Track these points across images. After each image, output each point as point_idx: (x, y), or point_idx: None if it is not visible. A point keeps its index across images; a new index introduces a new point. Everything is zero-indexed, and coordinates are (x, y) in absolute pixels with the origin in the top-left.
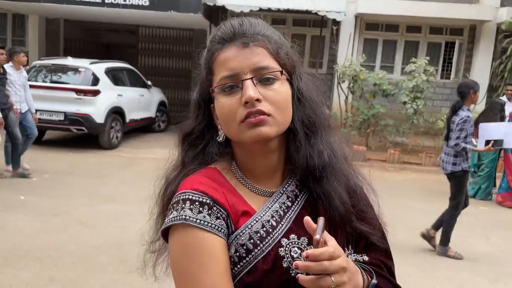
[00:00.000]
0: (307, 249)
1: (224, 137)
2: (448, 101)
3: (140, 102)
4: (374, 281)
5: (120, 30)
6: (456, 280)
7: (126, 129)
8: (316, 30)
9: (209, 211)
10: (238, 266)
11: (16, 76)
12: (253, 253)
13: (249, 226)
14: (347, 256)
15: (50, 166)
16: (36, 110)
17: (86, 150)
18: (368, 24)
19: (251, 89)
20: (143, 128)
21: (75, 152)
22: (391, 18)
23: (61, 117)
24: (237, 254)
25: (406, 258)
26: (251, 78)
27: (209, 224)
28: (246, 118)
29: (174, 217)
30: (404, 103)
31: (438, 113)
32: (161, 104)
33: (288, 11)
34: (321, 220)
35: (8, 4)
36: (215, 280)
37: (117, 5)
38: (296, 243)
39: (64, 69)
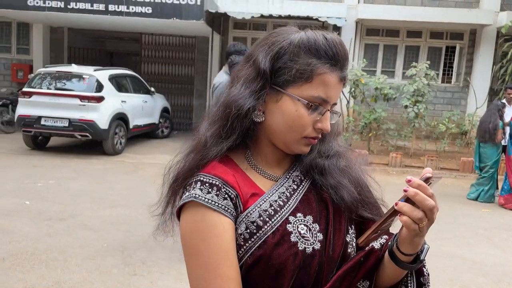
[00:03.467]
0: (312, 226)
1: (263, 119)
2: (449, 105)
3: (143, 108)
4: (427, 245)
5: (123, 38)
6: (458, 281)
7: (129, 135)
8: None
9: (217, 192)
10: (250, 241)
11: None
12: (263, 229)
13: (258, 205)
14: (349, 236)
15: (55, 172)
16: (41, 117)
17: (90, 156)
18: (369, 30)
19: (329, 122)
20: (147, 134)
21: (80, 158)
22: (391, 23)
23: (66, 124)
24: (248, 230)
25: None
26: (330, 110)
27: (216, 204)
28: (309, 137)
29: (185, 196)
30: (406, 107)
31: (439, 116)
32: (164, 110)
33: (289, 17)
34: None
35: (12, 13)
36: (217, 256)
37: (120, 13)
38: (303, 220)
39: (69, 76)
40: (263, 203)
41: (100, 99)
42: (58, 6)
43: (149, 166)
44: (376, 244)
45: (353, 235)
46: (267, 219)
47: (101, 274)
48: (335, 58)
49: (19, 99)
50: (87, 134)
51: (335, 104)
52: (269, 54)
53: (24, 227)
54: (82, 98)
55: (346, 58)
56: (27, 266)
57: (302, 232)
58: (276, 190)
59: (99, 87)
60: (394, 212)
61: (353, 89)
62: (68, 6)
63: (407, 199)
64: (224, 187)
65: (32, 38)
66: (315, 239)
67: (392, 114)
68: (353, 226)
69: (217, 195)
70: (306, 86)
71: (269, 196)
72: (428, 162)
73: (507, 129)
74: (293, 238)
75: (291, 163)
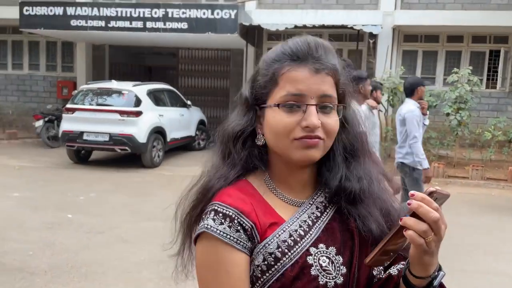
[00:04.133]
0: (335, 259)
1: (264, 141)
2: (494, 111)
3: (180, 121)
4: (443, 272)
5: (162, 52)
6: None
7: (167, 148)
8: (352, 44)
9: (230, 224)
10: (267, 274)
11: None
12: (281, 261)
13: (277, 235)
14: (377, 270)
15: (96, 185)
16: (84, 132)
17: (130, 169)
18: (407, 36)
19: (314, 117)
20: (184, 146)
21: (120, 171)
22: (430, 28)
23: (106, 138)
24: (266, 262)
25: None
26: (316, 105)
27: (228, 236)
28: (301, 138)
29: (200, 226)
30: (447, 114)
31: (484, 124)
32: (201, 123)
33: (323, 26)
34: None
35: (57, 33)
36: None
37: (157, 30)
38: (325, 252)
39: (109, 92)
40: (282, 233)
41: (138, 114)
42: (99, 25)
43: (186, 178)
44: (394, 270)
45: (380, 268)
46: (286, 250)
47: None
48: (297, 54)
49: (63, 115)
50: (127, 147)
51: (325, 97)
52: (250, 80)
53: (65, 239)
54: (121, 113)
55: (315, 49)
56: (67, 279)
57: (323, 265)
58: (298, 218)
59: (138, 102)
60: (401, 229)
61: (391, 97)
62: (109, 25)
63: (413, 214)
64: (238, 218)
65: (76, 56)
66: (337, 272)
67: (434, 122)
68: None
69: (229, 226)
70: (275, 91)
71: (289, 225)
72: (473, 172)
73: None
74: (313, 272)
75: (316, 187)
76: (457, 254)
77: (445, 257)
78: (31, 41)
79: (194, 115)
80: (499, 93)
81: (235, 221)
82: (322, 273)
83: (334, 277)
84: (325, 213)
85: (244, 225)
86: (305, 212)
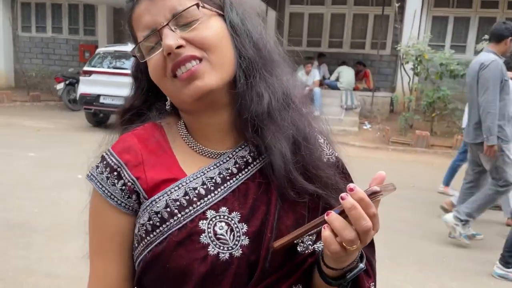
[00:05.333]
0: (237, 226)
1: (170, 104)
2: None
3: None
4: (362, 265)
5: None
6: None
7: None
8: (379, 9)
9: (109, 174)
10: (151, 235)
11: None
12: (167, 223)
13: (168, 192)
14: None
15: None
16: (100, 95)
17: None
18: (437, 0)
19: (169, 37)
20: None
21: None
22: None
23: (122, 102)
24: (151, 222)
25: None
26: (167, 25)
27: (103, 188)
28: (174, 73)
29: (88, 171)
30: None
31: None
32: None
33: None
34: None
35: None
36: (93, 245)
37: None
38: (225, 217)
39: (126, 55)
40: (175, 190)
41: None
42: None
43: None
44: (318, 246)
45: (308, 242)
46: (175, 211)
47: None
48: None
49: (80, 78)
50: None
51: (182, 11)
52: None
53: (71, 199)
54: None
55: None
56: (68, 237)
57: (219, 232)
58: (203, 174)
59: None
60: (324, 222)
61: (416, 65)
62: None
63: (343, 212)
64: (119, 169)
65: (98, 19)
66: (236, 242)
67: (461, 93)
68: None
69: (107, 178)
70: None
71: (187, 181)
72: None
73: None
74: (203, 239)
75: (240, 139)
76: (476, 224)
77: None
78: (54, 3)
79: None
80: None
81: (115, 173)
82: (214, 242)
83: (230, 248)
84: (245, 170)
85: (124, 178)
86: (217, 167)
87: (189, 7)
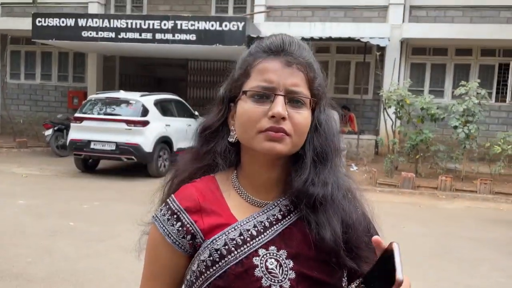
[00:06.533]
0: (285, 262)
1: (236, 139)
2: (504, 125)
3: (187, 131)
4: None
5: (171, 64)
6: None
7: (173, 157)
8: (360, 57)
9: (170, 217)
10: (211, 270)
11: None
12: (226, 259)
13: (226, 233)
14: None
15: (101, 194)
16: (91, 141)
17: (135, 179)
18: (415, 49)
19: (280, 106)
20: None
21: (125, 181)
22: (439, 41)
23: (113, 147)
24: (211, 258)
25: None
26: (284, 96)
27: (163, 227)
28: (267, 130)
29: (153, 213)
30: (455, 127)
31: (494, 137)
32: None
33: (331, 39)
34: (396, 249)
35: (69, 44)
36: (147, 274)
37: (166, 41)
38: (274, 254)
39: (117, 102)
40: (232, 231)
41: (145, 123)
42: (110, 36)
43: None
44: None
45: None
46: (232, 248)
47: None
48: (270, 47)
49: (71, 124)
50: (133, 157)
51: (295, 91)
52: (225, 81)
53: (65, 247)
54: (128, 122)
55: (288, 44)
56: (64, 287)
57: (270, 267)
58: (254, 219)
59: (145, 112)
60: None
61: (398, 109)
62: (119, 36)
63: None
64: (179, 213)
65: (87, 66)
66: (284, 276)
67: (442, 135)
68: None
69: (168, 219)
70: (247, 82)
71: (242, 224)
72: (481, 186)
73: None
74: (257, 273)
75: (282, 192)
76: (462, 268)
77: (450, 271)
78: (44, 51)
79: None
80: (509, 107)
81: (175, 216)
82: (266, 275)
83: (279, 281)
84: (288, 217)
85: (183, 220)
86: (265, 213)
87: (307, 98)
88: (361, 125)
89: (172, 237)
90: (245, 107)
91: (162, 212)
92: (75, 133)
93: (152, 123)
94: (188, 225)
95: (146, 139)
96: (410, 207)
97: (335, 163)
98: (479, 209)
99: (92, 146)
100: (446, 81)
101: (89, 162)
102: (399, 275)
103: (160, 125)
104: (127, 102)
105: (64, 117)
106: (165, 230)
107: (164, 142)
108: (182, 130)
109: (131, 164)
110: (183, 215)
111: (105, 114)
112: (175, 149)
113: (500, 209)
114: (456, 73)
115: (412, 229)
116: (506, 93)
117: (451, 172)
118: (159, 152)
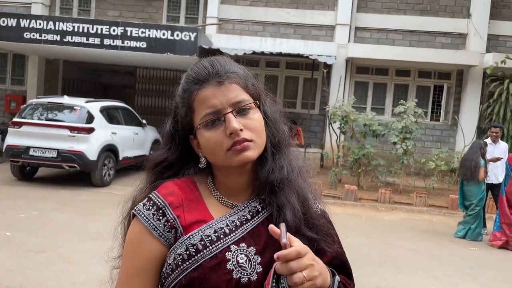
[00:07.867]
0: (253, 258)
1: (205, 164)
2: (438, 142)
3: (134, 140)
4: (338, 277)
5: (118, 71)
6: None
7: (119, 166)
8: (308, 73)
9: (155, 212)
10: (187, 263)
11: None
12: (201, 253)
13: (202, 230)
14: None
15: (40, 203)
16: (30, 147)
17: (77, 188)
18: (359, 68)
19: (234, 122)
20: (137, 166)
21: (67, 189)
22: (381, 62)
23: (54, 154)
24: (187, 252)
25: None
26: (232, 112)
27: (149, 222)
28: (232, 146)
29: (134, 208)
30: (394, 143)
31: (429, 154)
32: (155, 142)
33: (280, 54)
34: (282, 226)
35: (9, 45)
36: (129, 270)
37: (115, 47)
38: (244, 250)
39: (60, 107)
40: (207, 228)
41: (90, 130)
42: (54, 39)
43: None
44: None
45: None
46: (208, 244)
47: None
48: (198, 78)
49: (9, 129)
50: (75, 165)
51: (238, 102)
52: (171, 115)
53: (2, 259)
54: (72, 129)
55: (211, 67)
56: None
57: (240, 261)
58: (227, 218)
59: (90, 119)
60: None
61: (342, 125)
62: (64, 40)
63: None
64: (163, 208)
65: (27, 69)
66: (253, 270)
67: (382, 151)
68: None
69: (153, 214)
70: (195, 116)
71: (216, 222)
72: (417, 199)
73: (489, 167)
74: (229, 266)
75: (252, 193)
76: (400, 275)
77: (388, 279)
78: None
79: (149, 134)
80: (442, 126)
81: (160, 211)
82: (237, 268)
83: (248, 274)
84: (256, 217)
85: (167, 215)
86: (236, 213)
87: (250, 103)
88: (307, 139)
89: (158, 231)
90: (205, 136)
91: (146, 207)
92: (13, 139)
93: (97, 130)
94: (171, 220)
95: (90, 147)
96: (352, 218)
97: (286, 145)
98: (414, 220)
99: (31, 152)
100: (387, 100)
101: (27, 169)
102: (283, 239)
103: (105, 133)
104: (71, 108)
105: (0, 121)
106: (151, 224)
107: (110, 150)
108: (129, 138)
109: (73, 173)
110: (168, 210)
111: (47, 119)
112: (120, 157)
113: (434, 221)
114: (396, 92)
115: (355, 239)
116: (440, 112)
117: (390, 186)
118: (104, 160)
